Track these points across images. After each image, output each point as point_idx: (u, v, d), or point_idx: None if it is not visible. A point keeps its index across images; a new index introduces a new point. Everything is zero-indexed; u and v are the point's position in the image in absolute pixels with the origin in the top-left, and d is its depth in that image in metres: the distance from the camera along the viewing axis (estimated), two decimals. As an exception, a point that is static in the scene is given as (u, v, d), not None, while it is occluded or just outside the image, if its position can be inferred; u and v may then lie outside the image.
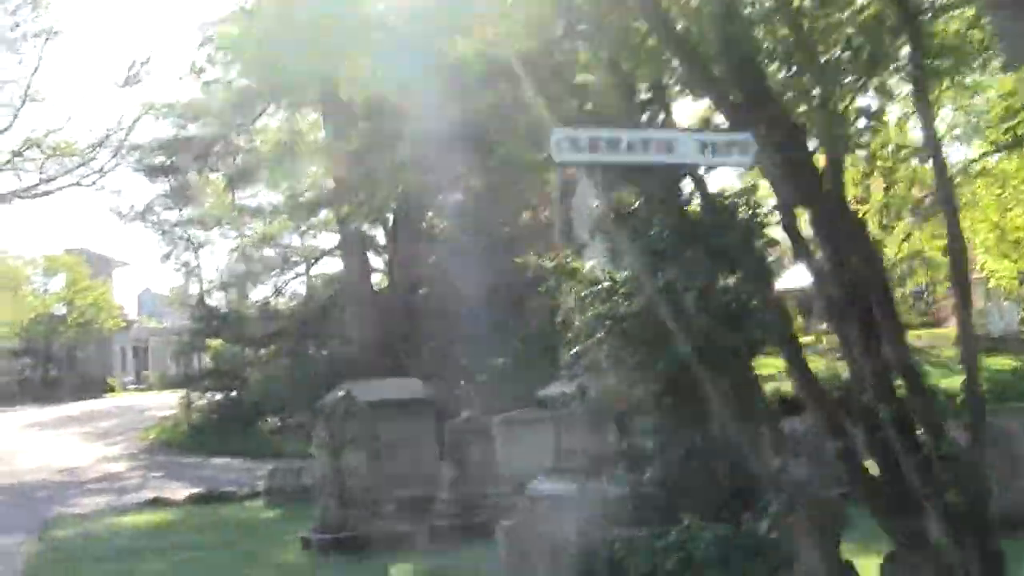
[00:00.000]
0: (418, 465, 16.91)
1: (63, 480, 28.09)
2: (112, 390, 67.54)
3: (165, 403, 49.63)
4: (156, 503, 22.10)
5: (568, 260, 9.53)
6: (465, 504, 14.90)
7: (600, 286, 8.66)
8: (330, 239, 43.79)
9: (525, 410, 23.03)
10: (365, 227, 40.47)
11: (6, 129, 53.55)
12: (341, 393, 14.89)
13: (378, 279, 41.13)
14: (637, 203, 8.75)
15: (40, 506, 23.12)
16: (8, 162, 53.63)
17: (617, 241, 9.13)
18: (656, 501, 7.27)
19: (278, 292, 43.10)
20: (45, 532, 18.49)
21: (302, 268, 43.73)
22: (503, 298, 34.61)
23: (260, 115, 41.06)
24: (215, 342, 42.61)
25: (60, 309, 68.88)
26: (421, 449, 17.42)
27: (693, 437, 8.34)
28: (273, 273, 42.60)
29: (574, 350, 8.67)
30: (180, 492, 24.15)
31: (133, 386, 76.22)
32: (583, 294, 8.84)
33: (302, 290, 44.16)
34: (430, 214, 41.36)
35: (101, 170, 54.62)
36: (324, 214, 43.26)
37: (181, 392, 42.43)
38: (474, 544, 13.86)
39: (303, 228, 43.46)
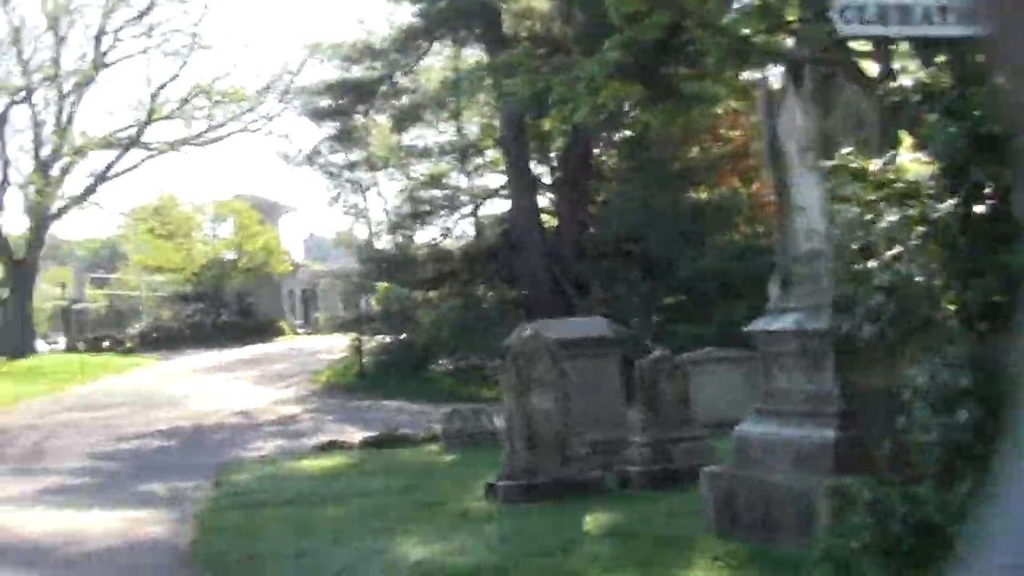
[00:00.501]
0: (604, 407, 15.89)
1: (238, 423, 27.88)
2: (282, 333, 67.99)
3: (335, 346, 49.61)
4: (332, 447, 21.59)
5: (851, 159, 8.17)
6: (658, 448, 13.88)
7: (898, 185, 7.39)
8: (497, 179, 43.10)
9: (714, 349, 22.08)
10: (533, 165, 39.65)
11: (174, 77, 53.99)
12: (528, 331, 13.95)
13: (547, 219, 40.22)
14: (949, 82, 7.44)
15: (216, 449, 22.83)
16: (177, 110, 54.07)
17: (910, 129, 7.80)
18: (967, 449, 6.13)
19: (446, 233, 42.46)
20: (221, 476, 18.04)
21: (469, 209, 43.02)
22: (674, 234, 33.58)
23: (424, 54, 40.41)
24: (384, 285, 42.33)
25: (229, 255, 69.47)
26: (607, 390, 16.38)
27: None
28: (441, 214, 41.99)
29: (869, 265, 7.44)
30: (355, 435, 23.63)
31: (302, 329, 76.74)
32: (871, 198, 7.60)
33: (470, 231, 43.43)
34: (597, 151, 40.38)
35: (268, 115, 54.93)
36: (491, 154, 42.58)
37: (350, 335, 42.16)
38: (670, 491, 12.91)
39: (470, 168, 42.77)
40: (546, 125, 33.10)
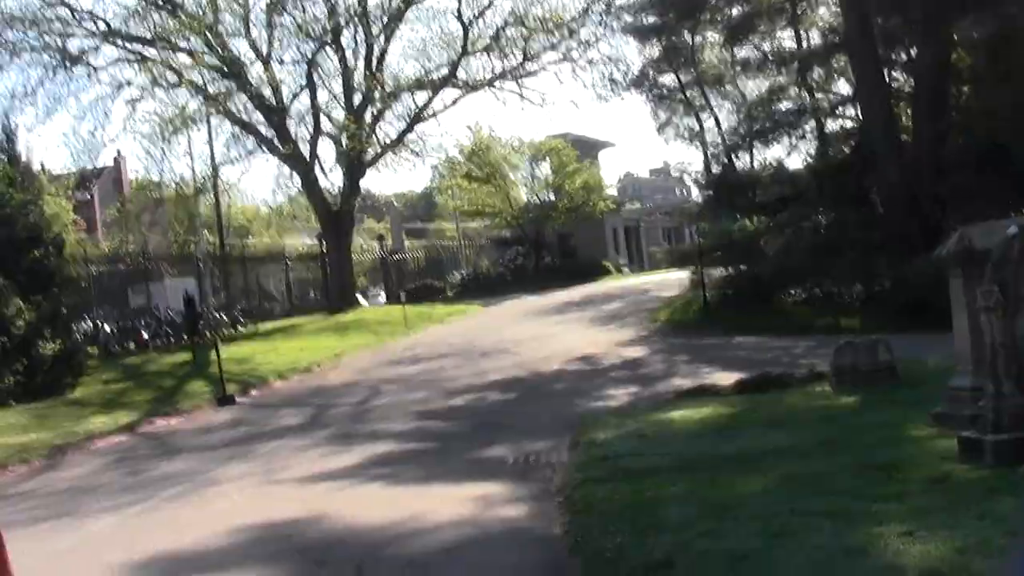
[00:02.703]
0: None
1: (579, 369, 24.66)
2: (607, 273, 65.23)
3: (665, 283, 46.41)
4: (700, 392, 17.97)
5: None
6: None
7: None
8: (844, 90, 38.62)
9: None
10: (884, 72, 34.97)
11: (487, 7, 51.11)
12: (1014, 230, 9.83)
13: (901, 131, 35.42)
14: None
15: (562, 401, 19.59)
16: (492, 42, 51.18)
17: None
18: None
19: (790, 152, 38.27)
20: (580, 434, 14.67)
21: (813, 125, 38.53)
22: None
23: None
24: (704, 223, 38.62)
25: (549, 195, 66.90)
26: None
27: None
28: (783, 132, 37.64)
29: None
30: (719, 378, 20.04)
31: (627, 268, 73.90)
32: None
33: (814, 149, 38.99)
34: (955, 53, 35.28)
35: (588, 41, 51.42)
36: (835, 63, 37.97)
37: (683, 271, 38.70)
38: None
39: (813, 80, 38.24)
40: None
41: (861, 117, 35.42)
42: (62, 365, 28.03)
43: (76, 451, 19.43)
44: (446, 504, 11.27)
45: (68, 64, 43.04)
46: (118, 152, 63.86)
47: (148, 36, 43.73)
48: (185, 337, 34.29)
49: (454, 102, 52.24)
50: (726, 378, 19.76)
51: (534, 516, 10.48)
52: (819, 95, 38.75)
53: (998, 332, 9.47)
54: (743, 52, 39.61)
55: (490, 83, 51.57)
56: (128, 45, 44.20)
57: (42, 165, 44.64)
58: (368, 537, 10.17)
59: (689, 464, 11.25)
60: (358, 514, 11.19)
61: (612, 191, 72.71)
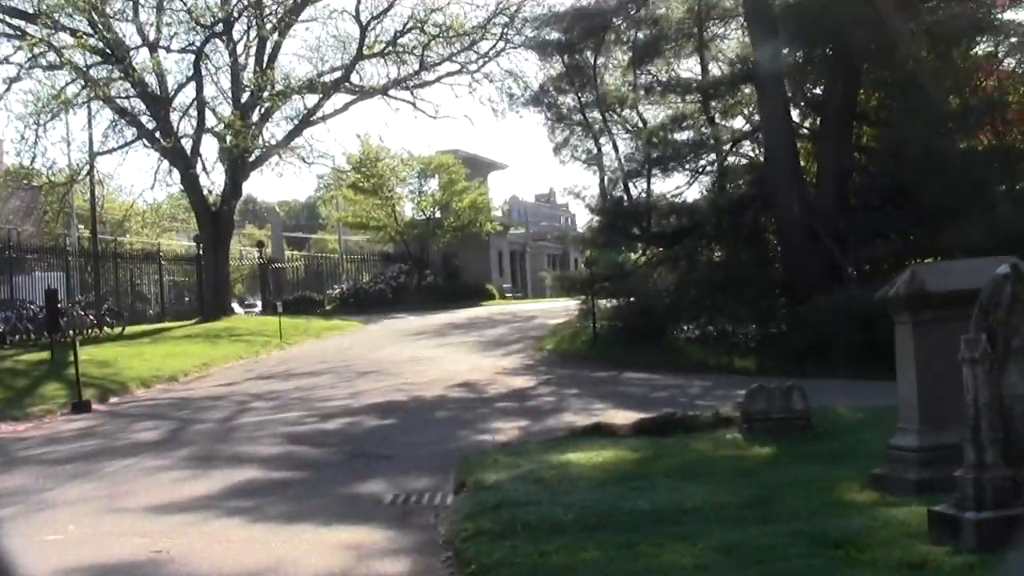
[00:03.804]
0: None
1: (463, 397, 23.13)
2: (490, 297, 63.86)
3: (551, 310, 45.22)
4: (596, 431, 16.49)
5: None
6: None
7: None
8: (746, 124, 37.66)
9: None
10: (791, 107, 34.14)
11: (386, 10, 49.56)
12: (1005, 269, 8.44)
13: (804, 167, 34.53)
14: None
15: (445, 432, 18.02)
16: (389, 47, 49.65)
17: None
18: None
19: (691, 181, 37.10)
20: (464, 473, 13.11)
21: (714, 156, 37.34)
22: (957, 181, 27.97)
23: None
24: (591, 251, 37.39)
25: (436, 212, 65.35)
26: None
27: None
28: (685, 161, 36.43)
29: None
30: (615, 415, 18.67)
31: (511, 293, 72.63)
32: None
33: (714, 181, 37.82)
34: (861, 91, 34.52)
35: (487, 54, 50.16)
36: (740, 93, 37.01)
37: (570, 299, 37.43)
38: None
39: (716, 110, 37.14)
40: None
41: (764, 151, 34.41)
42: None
43: (-99, 457, 17.46)
44: (314, 552, 9.69)
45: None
46: (-4, 135, 61.17)
47: (30, 10, 41.50)
48: (45, 335, 32.16)
49: (345, 107, 50.82)
50: (620, 416, 18.44)
51: (417, 575, 8.92)
52: (721, 124, 37.68)
53: (982, 390, 8.09)
54: (646, 77, 38.34)
55: (384, 90, 50.17)
56: (7, 19, 41.93)
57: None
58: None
59: (599, 521, 9.76)
60: (210, 559, 9.54)
61: (498, 213, 71.31)
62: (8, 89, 42.77)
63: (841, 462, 12.32)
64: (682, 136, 37.26)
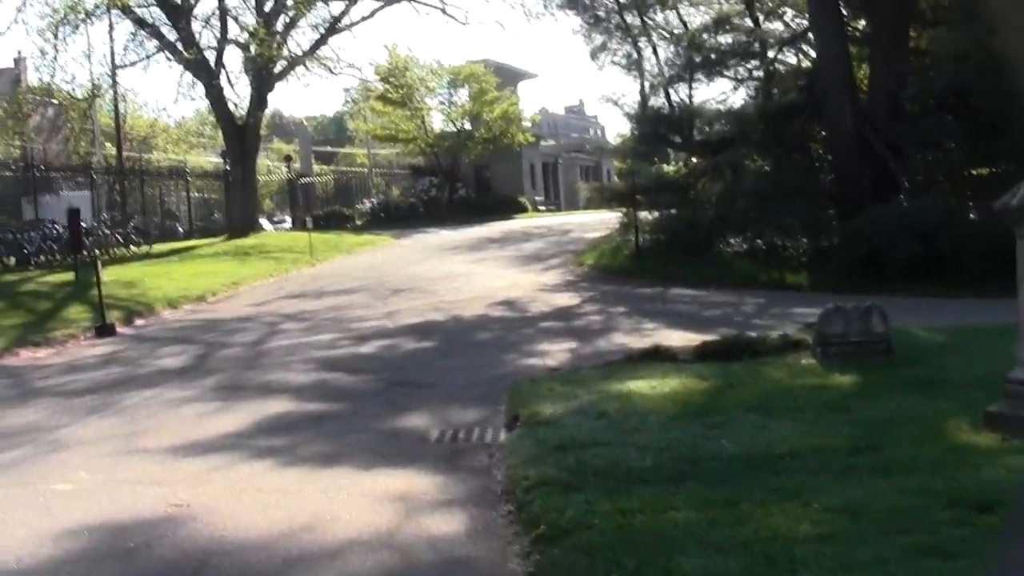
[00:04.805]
0: None
1: (505, 316, 21.90)
2: (523, 210, 62.53)
3: (588, 223, 43.98)
4: (655, 356, 15.17)
5: None
6: None
7: None
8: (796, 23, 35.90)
9: None
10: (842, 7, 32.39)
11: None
12: None
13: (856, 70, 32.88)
14: None
15: (489, 355, 16.80)
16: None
17: None
18: None
19: (736, 86, 35.49)
20: (517, 405, 11.87)
21: (759, 61, 35.70)
22: (1018, 86, 26.33)
23: None
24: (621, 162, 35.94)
25: (466, 124, 63.84)
26: None
27: None
28: (729, 65, 34.82)
29: None
30: (669, 336, 17.43)
31: (544, 206, 71.24)
32: None
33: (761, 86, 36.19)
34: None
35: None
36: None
37: (606, 211, 36.10)
38: None
39: (763, 8, 35.43)
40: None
41: (814, 55, 32.83)
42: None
43: (-88, 384, 16.35)
44: (354, 504, 8.44)
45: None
46: (18, 53, 59.75)
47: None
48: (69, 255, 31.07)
49: (372, 13, 49.22)
50: (676, 337, 17.24)
51: (476, 536, 7.64)
52: (768, 26, 36.03)
53: None
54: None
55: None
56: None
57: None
58: (242, 560, 7.28)
59: (682, 468, 8.48)
60: (235, 515, 8.28)
61: (528, 124, 69.81)
62: (25, 2, 41.40)
63: (936, 393, 10.99)
64: (725, 39, 35.69)
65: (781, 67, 36.24)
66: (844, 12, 32.95)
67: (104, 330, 21.77)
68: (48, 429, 12.28)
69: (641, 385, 12.48)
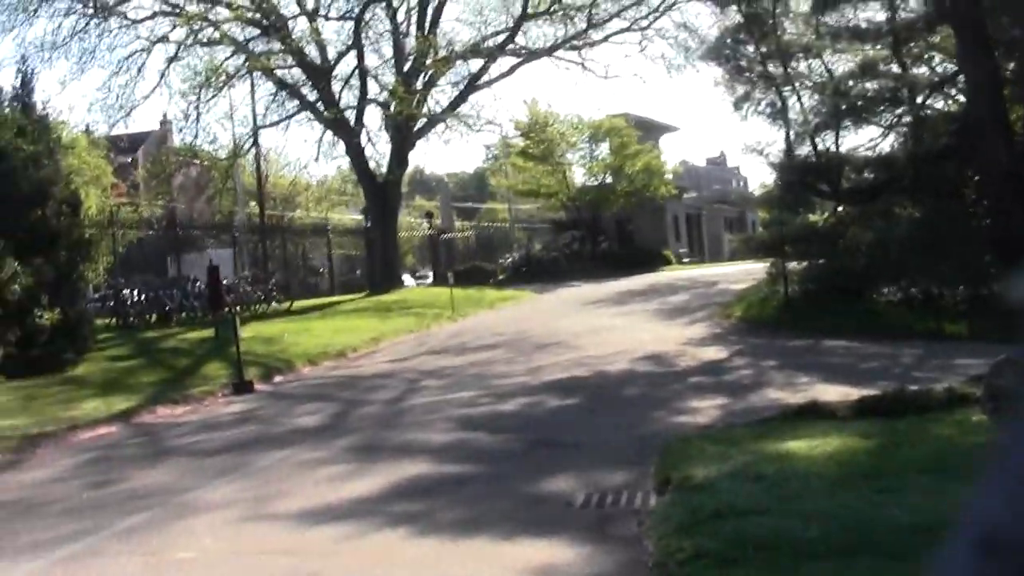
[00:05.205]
0: None
1: (651, 371, 21.15)
2: (666, 262, 61.76)
3: (732, 275, 43.07)
4: (812, 412, 14.30)
5: None
6: None
7: None
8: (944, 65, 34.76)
9: None
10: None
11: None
12: None
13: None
14: None
15: (636, 412, 16.07)
16: (553, 6, 47.70)
17: None
18: None
19: (887, 132, 34.33)
20: (669, 466, 11.13)
21: (907, 106, 34.56)
22: None
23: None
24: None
25: (607, 177, 63.42)
26: None
27: None
28: (879, 111, 33.77)
29: None
30: (825, 391, 16.50)
31: (687, 258, 70.37)
32: None
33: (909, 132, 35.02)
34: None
35: (658, 8, 47.85)
36: (937, 35, 34.16)
37: (752, 262, 35.22)
38: None
39: (909, 54, 34.35)
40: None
41: (962, 99, 31.70)
42: (63, 337, 24.78)
43: (51, 444, 16.23)
44: (495, 578, 7.82)
45: (102, 15, 40.09)
46: (164, 115, 61.10)
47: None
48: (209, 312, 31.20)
49: (511, 70, 49.08)
50: (832, 391, 16.30)
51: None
52: (915, 71, 34.91)
53: None
54: (831, 23, 35.64)
55: (551, 51, 48.25)
56: (165, -4, 41.24)
57: (87, 127, 42.03)
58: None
59: (852, 541, 7.68)
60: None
61: (670, 177, 69.09)
62: (168, 67, 42.10)
63: None
64: (871, 86, 34.67)
65: (930, 112, 35.03)
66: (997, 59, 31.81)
67: (242, 387, 21.59)
68: (176, 491, 11.88)
69: (800, 444, 11.65)
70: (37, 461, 15.02)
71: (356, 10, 44.65)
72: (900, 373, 19.32)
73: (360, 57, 45.43)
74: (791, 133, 35.58)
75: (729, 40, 37.40)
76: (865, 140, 36.69)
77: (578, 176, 64.71)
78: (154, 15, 41.95)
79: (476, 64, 48.11)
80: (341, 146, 46.39)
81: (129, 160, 55.79)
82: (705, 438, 13.01)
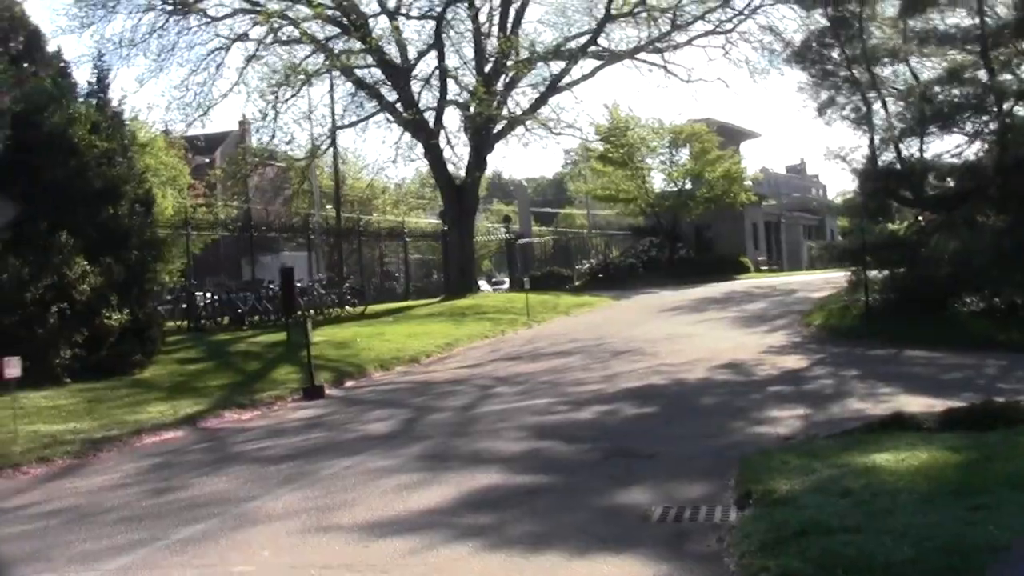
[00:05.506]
0: None
1: (729, 380, 20.65)
2: (745, 270, 61.14)
3: (812, 283, 42.43)
4: (898, 424, 13.77)
5: None
6: None
7: None
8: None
9: None
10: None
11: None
12: None
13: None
14: None
15: (714, 422, 15.60)
16: (637, 7, 47.15)
17: None
18: None
19: (973, 139, 33.46)
20: (748, 480, 10.68)
21: (995, 111, 33.68)
22: None
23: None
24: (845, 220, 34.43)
25: (687, 183, 62.81)
26: None
27: None
28: (965, 117, 32.91)
29: None
30: (909, 402, 15.95)
31: (766, 266, 69.63)
32: None
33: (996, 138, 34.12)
34: None
35: (743, 11, 47.15)
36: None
37: (832, 270, 34.58)
38: None
39: (997, 58, 33.49)
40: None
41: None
42: (132, 339, 24.68)
43: (113, 449, 16.02)
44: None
45: (182, 11, 40.23)
46: (243, 116, 61.35)
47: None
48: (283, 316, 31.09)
49: (593, 72, 48.62)
50: (915, 403, 15.77)
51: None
52: (1003, 78, 33.99)
53: None
54: (920, 26, 34.85)
55: (633, 53, 47.71)
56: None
57: (165, 127, 42.16)
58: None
59: (950, 562, 7.22)
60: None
61: (750, 183, 68.42)
62: (247, 66, 42.12)
63: None
64: (958, 92, 33.79)
65: (1016, 119, 34.11)
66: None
67: (312, 392, 21.35)
68: (237, 500, 11.60)
69: (887, 457, 11.14)
70: (99, 466, 14.82)
71: (438, 9, 44.38)
72: (984, 385, 18.73)
73: (440, 57, 45.19)
74: (875, 139, 34.79)
75: (814, 44, 36.70)
76: (950, 147, 35.72)
77: (657, 182, 64.24)
78: (234, 12, 41.98)
79: (557, 66, 47.64)
80: (419, 148, 46.19)
81: (207, 161, 56.06)
82: (787, 450, 12.55)
